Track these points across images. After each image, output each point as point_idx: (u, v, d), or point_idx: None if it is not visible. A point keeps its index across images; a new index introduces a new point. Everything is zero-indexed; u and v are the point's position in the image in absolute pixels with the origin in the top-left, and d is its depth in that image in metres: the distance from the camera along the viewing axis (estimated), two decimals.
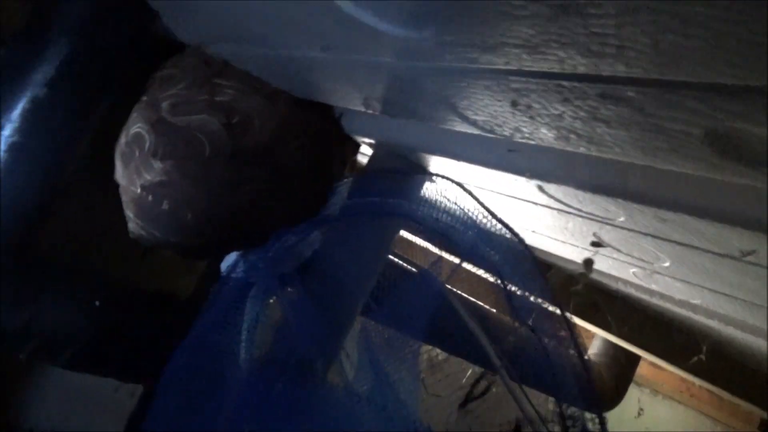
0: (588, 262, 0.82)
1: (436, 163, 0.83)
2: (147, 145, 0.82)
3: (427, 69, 0.47)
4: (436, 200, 0.80)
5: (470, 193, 0.77)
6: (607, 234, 0.72)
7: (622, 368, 1.77)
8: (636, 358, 1.77)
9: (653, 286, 0.92)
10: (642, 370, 1.95)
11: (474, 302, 1.27)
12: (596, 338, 1.87)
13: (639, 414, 2.66)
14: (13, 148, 0.79)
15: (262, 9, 0.53)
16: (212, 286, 0.87)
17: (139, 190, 0.84)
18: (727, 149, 0.35)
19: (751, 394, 1.29)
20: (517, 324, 0.74)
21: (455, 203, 0.78)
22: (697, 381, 1.30)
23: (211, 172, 0.81)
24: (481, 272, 0.78)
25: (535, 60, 0.36)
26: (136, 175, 0.84)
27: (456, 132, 0.58)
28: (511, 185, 0.70)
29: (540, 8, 0.30)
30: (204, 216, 0.84)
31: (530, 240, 1.01)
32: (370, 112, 0.68)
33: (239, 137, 0.81)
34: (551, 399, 0.71)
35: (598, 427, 0.69)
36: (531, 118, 0.45)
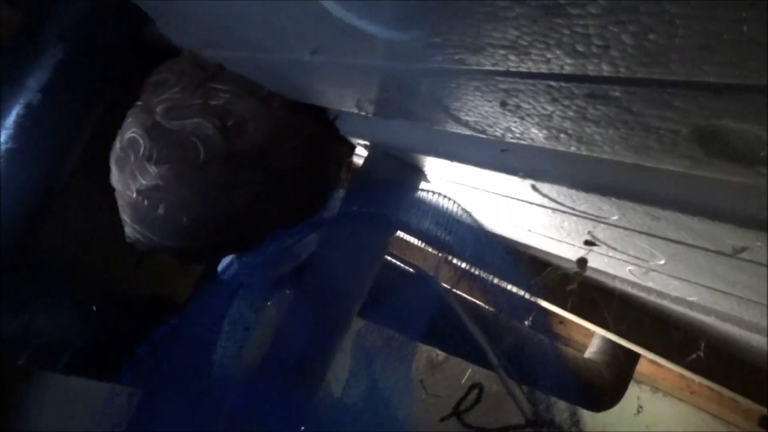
0: (582, 261, 0.82)
1: (430, 164, 0.83)
2: (142, 149, 0.82)
3: (417, 71, 0.47)
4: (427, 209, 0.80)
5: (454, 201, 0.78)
6: (602, 232, 0.72)
7: (622, 366, 1.77)
8: (635, 356, 1.77)
9: (650, 284, 0.92)
10: (641, 367, 1.95)
11: (473, 302, 1.27)
12: (595, 337, 1.87)
13: (638, 411, 2.66)
14: (8, 155, 0.79)
15: (251, 13, 0.53)
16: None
17: (134, 195, 0.84)
18: (714, 146, 0.35)
19: (750, 391, 1.29)
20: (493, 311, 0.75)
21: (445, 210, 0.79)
22: (696, 378, 1.30)
23: (206, 175, 0.81)
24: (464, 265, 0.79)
25: (523, 61, 0.36)
26: (131, 179, 0.84)
27: (449, 133, 0.58)
28: (506, 185, 0.70)
29: (525, 9, 0.31)
30: (199, 219, 0.84)
31: (527, 239, 1.02)
32: (363, 113, 0.68)
33: (234, 140, 0.81)
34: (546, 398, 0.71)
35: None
36: (521, 118, 0.45)
